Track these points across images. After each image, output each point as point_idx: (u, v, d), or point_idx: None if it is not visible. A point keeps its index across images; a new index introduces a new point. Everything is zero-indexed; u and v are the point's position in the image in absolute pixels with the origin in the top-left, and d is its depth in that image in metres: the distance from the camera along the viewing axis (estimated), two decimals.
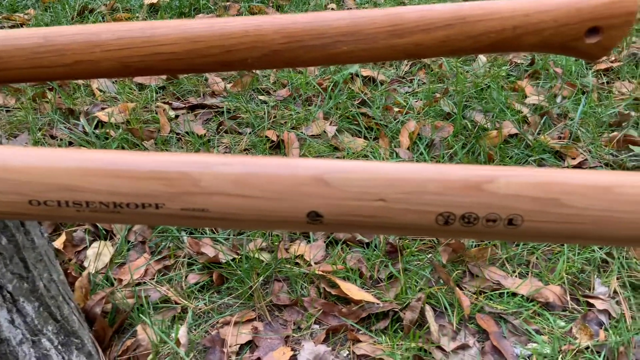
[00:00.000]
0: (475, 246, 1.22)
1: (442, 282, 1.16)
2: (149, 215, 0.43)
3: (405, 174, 0.43)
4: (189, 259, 1.19)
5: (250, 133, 1.58)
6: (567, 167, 1.47)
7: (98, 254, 1.16)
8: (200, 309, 1.10)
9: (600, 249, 1.23)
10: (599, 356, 1.02)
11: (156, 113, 1.62)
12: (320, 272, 1.15)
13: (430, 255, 1.21)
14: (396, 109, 1.68)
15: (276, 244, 1.21)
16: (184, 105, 1.69)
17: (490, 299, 1.14)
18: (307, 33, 0.58)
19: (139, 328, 1.02)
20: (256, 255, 1.16)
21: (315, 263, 1.19)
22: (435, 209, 0.43)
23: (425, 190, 0.42)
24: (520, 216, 0.42)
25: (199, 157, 0.43)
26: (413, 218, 0.43)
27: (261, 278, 1.13)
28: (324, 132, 1.58)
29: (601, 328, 1.09)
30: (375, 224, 0.44)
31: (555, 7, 0.59)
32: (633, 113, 1.68)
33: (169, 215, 0.43)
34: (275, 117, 1.64)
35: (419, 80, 1.85)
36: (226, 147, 1.53)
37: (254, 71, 1.82)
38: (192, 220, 0.44)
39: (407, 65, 1.94)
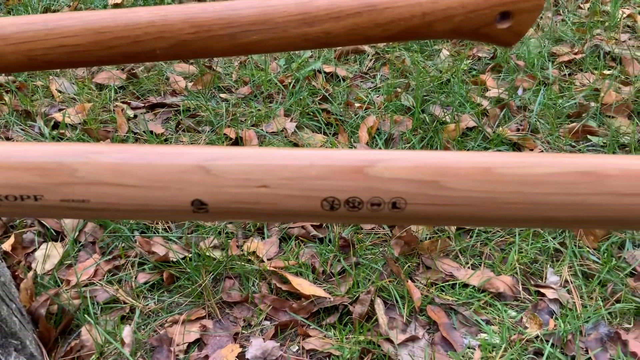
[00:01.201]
0: (428, 238, 1.22)
1: (394, 275, 1.16)
2: (30, 207, 0.43)
3: (287, 160, 0.42)
4: (140, 258, 1.17)
5: (209, 131, 1.57)
6: None
7: (46, 255, 1.14)
8: (149, 308, 1.09)
9: (553, 238, 1.24)
10: (548, 345, 1.03)
11: (114, 113, 1.60)
12: (272, 268, 1.14)
13: (383, 248, 1.21)
14: (357, 105, 1.68)
15: (228, 240, 1.20)
16: (143, 105, 1.67)
17: (442, 291, 1.14)
18: (215, 22, 0.58)
19: (83, 329, 1.01)
20: (207, 253, 1.16)
21: (269, 259, 1.18)
22: (319, 194, 0.42)
23: (307, 176, 0.42)
24: (404, 199, 0.42)
25: (76, 147, 0.42)
26: (298, 203, 0.43)
27: (211, 276, 1.12)
28: (284, 128, 1.58)
29: (552, 317, 1.10)
30: (261, 210, 0.43)
31: None
32: (592, 104, 1.69)
33: (50, 207, 0.42)
34: (235, 114, 1.63)
35: (382, 75, 1.85)
36: (190, 143, 1.52)
37: (215, 69, 1.81)
38: (74, 212, 0.43)
39: (371, 61, 1.94)
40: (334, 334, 1.04)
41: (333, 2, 0.59)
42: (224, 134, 1.52)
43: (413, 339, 1.04)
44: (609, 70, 1.90)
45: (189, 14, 0.58)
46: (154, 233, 1.23)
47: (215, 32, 0.58)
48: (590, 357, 1.02)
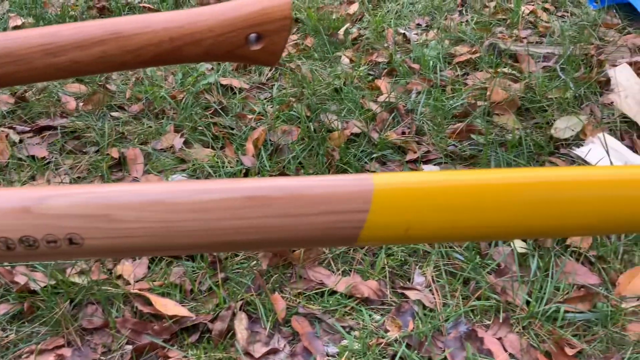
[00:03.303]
0: None
1: (262, 288, 1.16)
2: None
3: None
4: (4, 289, 1.15)
5: (94, 152, 1.54)
6: (406, 161, 1.51)
7: None
8: (8, 339, 1.07)
9: None
10: (402, 346, 1.04)
11: None
12: (136, 291, 1.13)
13: (254, 262, 1.21)
14: (250, 116, 1.68)
15: (91, 265, 1.18)
16: (30, 128, 1.64)
17: (310, 300, 1.15)
18: None
19: None
20: (71, 279, 1.14)
21: (136, 281, 1.17)
22: None
23: None
24: (79, 235, 0.42)
25: None
26: None
27: (70, 302, 1.10)
28: (173, 145, 1.57)
29: (414, 319, 1.12)
30: None
31: (209, 17, 0.59)
32: (480, 102, 1.73)
33: None
34: (124, 133, 1.61)
35: (280, 85, 1.86)
36: (69, 168, 1.49)
37: (107, 87, 1.79)
38: None
39: (270, 70, 1.94)
40: (195, 353, 1.04)
41: (77, 30, 0.58)
42: (107, 154, 1.50)
43: (274, 351, 1.05)
44: (504, 68, 1.95)
45: None
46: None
47: None
48: (445, 357, 1.04)
